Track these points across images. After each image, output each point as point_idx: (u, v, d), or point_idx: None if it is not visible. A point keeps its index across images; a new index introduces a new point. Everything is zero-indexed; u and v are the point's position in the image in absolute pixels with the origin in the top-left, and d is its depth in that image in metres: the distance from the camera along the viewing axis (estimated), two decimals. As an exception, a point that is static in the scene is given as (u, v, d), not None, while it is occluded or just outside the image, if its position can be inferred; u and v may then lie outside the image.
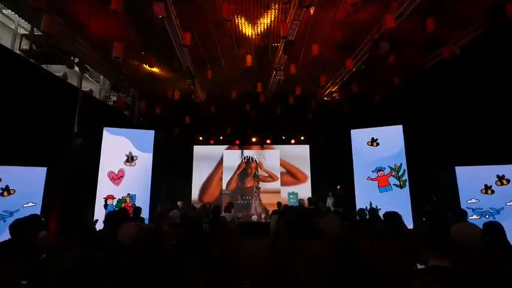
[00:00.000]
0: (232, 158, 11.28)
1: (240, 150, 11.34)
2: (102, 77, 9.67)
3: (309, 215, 3.46)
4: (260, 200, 10.75)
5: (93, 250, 2.11)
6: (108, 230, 2.77)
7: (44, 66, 7.33)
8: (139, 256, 2.07)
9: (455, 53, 6.14)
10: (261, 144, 11.31)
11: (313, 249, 2.84)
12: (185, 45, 5.76)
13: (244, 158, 11.25)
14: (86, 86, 9.26)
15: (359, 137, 7.17)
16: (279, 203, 6.59)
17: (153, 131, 7.30)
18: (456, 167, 4.87)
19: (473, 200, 4.68)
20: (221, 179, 11.09)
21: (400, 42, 6.45)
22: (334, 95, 8.73)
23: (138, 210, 5.25)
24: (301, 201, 7.07)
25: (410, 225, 5.61)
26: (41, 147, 4.78)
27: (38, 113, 4.97)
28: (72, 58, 6.19)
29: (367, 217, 4.98)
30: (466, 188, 4.79)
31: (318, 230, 3.21)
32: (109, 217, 3.12)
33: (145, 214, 6.74)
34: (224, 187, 11.02)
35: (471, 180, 4.76)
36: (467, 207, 4.50)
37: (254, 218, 10.34)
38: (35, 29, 5.92)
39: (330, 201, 9.36)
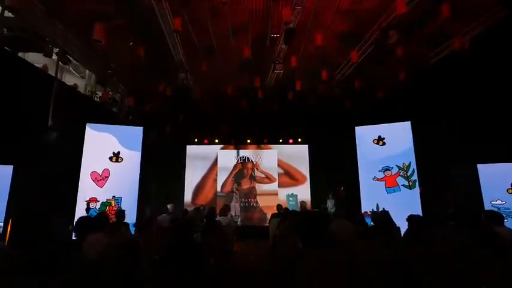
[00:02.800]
0: (228, 158, 10.74)
1: (235, 150, 10.81)
2: (88, 71, 9.06)
3: (320, 219, 2.94)
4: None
5: (45, 270, 1.56)
6: (76, 241, 2.21)
7: (21, 55, 6.75)
8: (105, 278, 1.51)
9: (466, 45, 5.76)
10: (258, 144, 10.80)
11: (331, 262, 2.34)
12: (176, 31, 5.22)
13: (240, 158, 10.72)
14: (69, 80, 8.62)
15: (364, 134, 6.71)
16: (279, 206, 6.07)
17: (142, 128, 6.71)
18: (478, 165, 4.44)
19: (499, 202, 4.25)
20: (216, 180, 10.53)
21: (407, 33, 6.05)
22: (336, 90, 8.28)
23: (120, 214, 4.65)
24: (303, 203, 6.56)
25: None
26: (7, 143, 4.16)
27: (6, 103, 4.36)
28: (50, 46, 5.58)
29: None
30: (489, 187, 4.35)
31: (333, 238, 2.71)
32: (77, 224, 2.56)
33: (132, 218, 6.15)
34: (219, 189, 10.46)
35: (495, 179, 4.33)
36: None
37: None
38: (6, 12, 5.30)
39: (330, 203, 8.90)
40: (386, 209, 6.14)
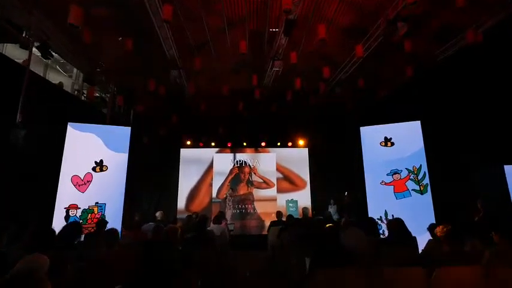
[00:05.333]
0: (224, 162, 10.21)
1: (232, 154, 10.29)
2: (76, 70, 8.56)
3: (331, 230, 2.43)
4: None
5: None
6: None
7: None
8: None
9: (479, 37, 5.36)
10: (255, 147, 10.30)
11: (351, 283, 1.84)
12: (166, 20, 4.75)
13: (237, 162, 10.20)
14: (55, 79, 8.12)
15: (370, 135, 6.24)
16: (279, 213, 5.56)
17: (129, 128, 6.18)
18: (505, 166, 3.98)
19: (531, 208, 3.78)
20: (211, 185, 9.97)
21: (416, 26, 5.65)
22: (337, 90, 7.85)
23: (100, 224, 4.13)
24: (305, 210, 6.03)
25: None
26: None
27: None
28: (26, 36, 5.08)
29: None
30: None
31: (349, 252, 2.20)
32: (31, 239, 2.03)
33: (117, 227, 5.58)
34: (214, 195, 9.89)
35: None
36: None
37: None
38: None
39: (332, 210, 8.40)
40: (395, 215, 5.66)
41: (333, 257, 2.18)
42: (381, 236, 4.29)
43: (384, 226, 5.38)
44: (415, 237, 3.93)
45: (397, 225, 3.45)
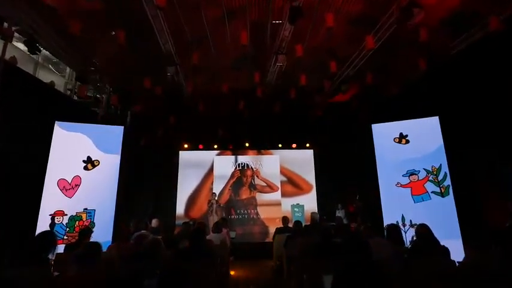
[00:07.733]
0: (225, 165, 9.73)
1: (233, 156, 9.82)
2: (69, 69, 8.18)
3: (356, 241, 1.94)
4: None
5: None
6: None
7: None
8: None
9: (500, 26, 4.92)
10: (258, 149, 9.82)
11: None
12: (159, 7, 4.34)
13: (239, 165, 9.72)
14: (46, 78, 7.73)
15: (382, 133, 5.75)
16: (285, 218, 5.06)
17: (122, 127, 5.74)
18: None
19: None
20: (211, 189, 9.47)
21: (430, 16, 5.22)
22: (343, 88, 7.38)
23: (84, 233, 3.65)
24: (314, 215, 5.53)
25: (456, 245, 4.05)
26: None
27: None
28: (8, 26, 4.68)
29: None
30: None
31: (380, 270, 1.71)
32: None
33: (108, 236, 5.10)
34: (215, 199, 9.39)
35: None
36: None
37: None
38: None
39: (340, 215, 7.88)
40: (414, 221, 5.14)
41: (363, 276, 1.68)
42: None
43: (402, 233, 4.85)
44: (447, 249, 3.40)
45: (426, 231, 2.95)
